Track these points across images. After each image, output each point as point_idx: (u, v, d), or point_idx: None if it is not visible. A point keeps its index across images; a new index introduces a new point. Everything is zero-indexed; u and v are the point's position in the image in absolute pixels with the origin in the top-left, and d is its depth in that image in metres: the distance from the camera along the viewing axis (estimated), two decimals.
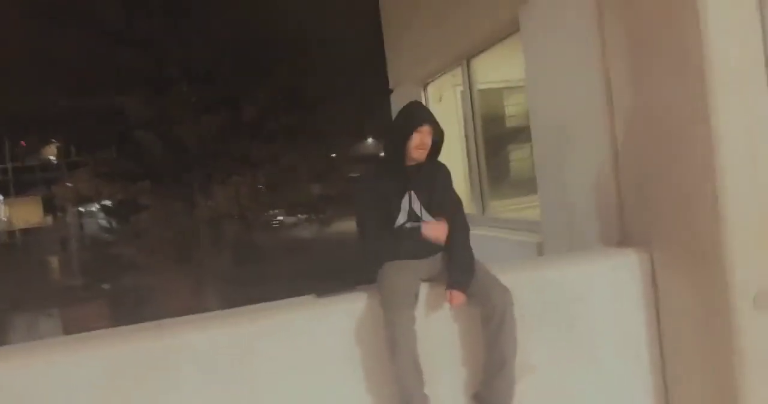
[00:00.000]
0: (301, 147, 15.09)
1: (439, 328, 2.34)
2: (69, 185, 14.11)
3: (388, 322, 2.12)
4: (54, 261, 19.72)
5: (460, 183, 4.82)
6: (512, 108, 5.75)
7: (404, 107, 2.38)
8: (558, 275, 2.61)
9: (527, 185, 4.87)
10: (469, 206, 4.83)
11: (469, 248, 2.38)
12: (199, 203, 15.05)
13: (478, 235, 4.49)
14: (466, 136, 4.75)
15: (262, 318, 2.21)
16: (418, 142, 2.28)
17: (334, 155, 17.96)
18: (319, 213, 17.50)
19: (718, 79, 2.23)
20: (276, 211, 17.26)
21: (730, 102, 2.25)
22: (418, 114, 2.33)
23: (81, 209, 20.76)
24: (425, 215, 2.36)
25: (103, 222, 18.26)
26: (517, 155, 5.80)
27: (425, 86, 5.48)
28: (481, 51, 4.40)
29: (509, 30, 3.83)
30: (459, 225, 2.39)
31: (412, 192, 2.35)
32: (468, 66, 4.58)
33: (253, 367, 2.13)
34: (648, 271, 2.67)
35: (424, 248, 2.35)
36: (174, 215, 14.92)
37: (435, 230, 2.27)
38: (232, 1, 14.13)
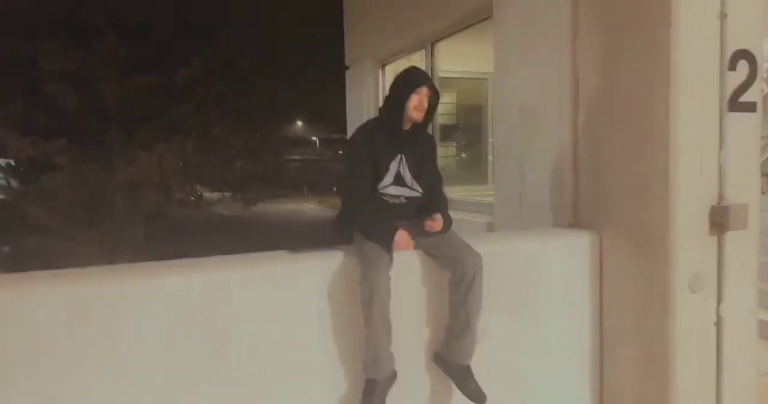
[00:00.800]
0: (233, 121, 14.63)
1: (407, 289, 2.41)
2: None
3: (365, 280, 2.16)
4: None
5: None
6: (442, 106, 5.94)
7: (403, 70, 2.42)
8: (509, 249, 2.76)
9: (450, 179, 5.06)
10: None
11: (448, 213, 2.48)
12: (118, 167, 14.22)
13: None
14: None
15: (238, 267, 2.18)
16: (417, 103, 2.33)
17: (259, 134, 17.50)
18: (244, 192, 17.06)
19: (681, 79, 2.45)
20: (199, 185, 16.60)
21: (688, 102, 2.48)
22: (417, 76, 2.38)
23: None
24: (409, 180, 2.42)
25: (3, 181, 16.81)
26: (442, 152, 6.00)
27: (383, 67, 5.51)
28: (447, 36, 4.49)
29: (480, 16, 3.95)
30: (442, 192, 2.51)
31: (403, 156, 2.40)
32: (432, 50, 4.67)
33: (226, 314, 2.09)
34: (596, 252, 2.88)
35: (401, 214, 2.42)
36: (88, 178, 14.01)
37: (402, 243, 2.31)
38: None
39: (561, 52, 3.05)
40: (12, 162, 15.39)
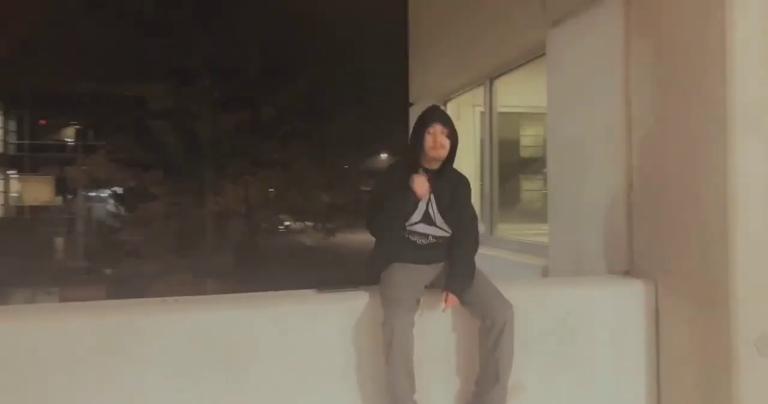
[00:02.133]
0: (314, 154, 15.21)
1: (437, 336, 2.34)
2: (83, 167, 14.24)
3: (387, 323, 2.13)
4: (59, 242, 19.84)
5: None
6: (527, 139, 5.82)
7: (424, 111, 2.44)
8: (561, 297, 2.61)
9: (535, 214, 4.90)
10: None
11: (473, 260, 2.40)
12: (208, 198, 15.13)
13: (485, 254, 4.52)
14: (482, 156, 4.78)
15: (262, 306, 2.23)
16: (432, 142, 2.32)
17: (346, 166, 18.02)
18: (325, 222, 17.51)
19: (738, 119, 2.25)
20: (283, 215, 17.32)
21: (748, 142, 2.26)
22: (428, 115, 2.38)
23: (91, 193, 20.93)
24: (439, 221, 2.39)
25: (112, 208, 18.41)
26: (527, 185, 5.85)
27: (445, 103, 5.53)
28: (505, 72, 4.44)
29: (535, 53, 3.88)
30: (470, 237, 2.43)
31: (432, 196, 2.38)
32: (491, 86, 4.62)
33: (247, 353, 2.13)
34: (651, 303, 2.66)
35: (428, 254, 2.39)
36: (182, 208, 15.00)
37: (419, 185, 2.30)
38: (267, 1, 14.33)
39: (613, 89, 2.91)
40: (117, 191, 16.87)
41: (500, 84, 4.67)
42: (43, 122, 24.36)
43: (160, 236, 14.32)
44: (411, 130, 2.42)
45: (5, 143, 24.07)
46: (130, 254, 14.49)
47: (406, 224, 2.36)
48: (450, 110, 5.59)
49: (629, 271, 2.83)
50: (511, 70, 4.41)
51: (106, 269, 15.29)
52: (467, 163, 4.92)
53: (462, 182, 2.48)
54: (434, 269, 2.40)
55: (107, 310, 2.17)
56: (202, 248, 15.38)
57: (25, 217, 23.33)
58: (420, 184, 2.29)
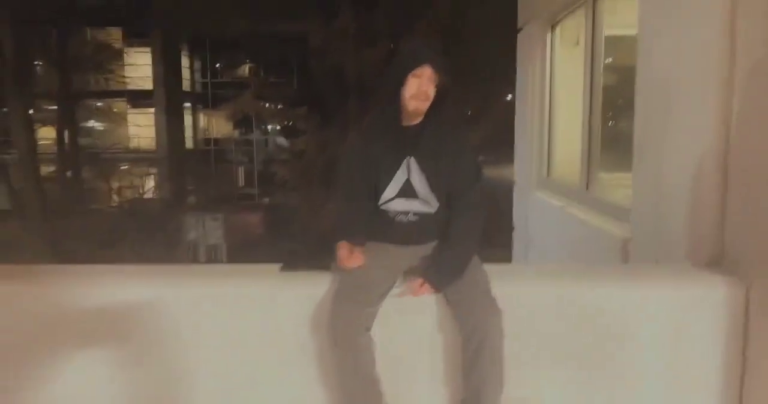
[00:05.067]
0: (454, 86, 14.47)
1: (418, 335, 1.93)
2: (233, 106, 15.34)
3: (331, 322, 1.78)
4: (232, 171, 22.16)
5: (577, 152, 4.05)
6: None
7: (402, 47, 1.88)
8: (607, 296, 1.99)
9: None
10: (576, 178, 4.07)
11: (470, 242, 1.90)
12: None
13: (570, 216, 3.80)
14: (584, 91, 3.89)
15: (208, 283, 2.02)
16: (415, 89, 1.79)
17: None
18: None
19: None
20: None
21: None
22: (415, 53, 1.82)
23: (263, 126, 22.69)
24: (423, 191, 1.90)
25: (278, 141, 19.83)
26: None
27: (552, 27, 4.59)
28: None
29: None
30: (467, 211, 1.91)
31: (413, 159, 1.89)
32: (594, 5, 3.65)
33: (197, 330, 1.94)
34: (739, 312, 1.92)
35: (409, 234, 1.93)
36: (327, 142, 15.55)
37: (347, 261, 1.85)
38: None
39: (715, 12, 2.02)
40: (276, 127, 18.03)
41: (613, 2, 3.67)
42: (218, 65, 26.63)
43: (307, 170, 15.07)
44: (386, 72, 1.90)
45: (192, 81, 26.95)
46: (283, 186, 15.57)
47: (379, 203, 1.92)
48: (559, 34, 4.65)
49: (716, 263, 2.07)
50: None
51: (264, 199, 16.73)
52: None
53: (453, 132, 1.92)
54: (416, 250, 1.95)
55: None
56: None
57: (211, 148, 26.38)
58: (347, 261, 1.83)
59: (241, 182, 23.37)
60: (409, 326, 1.91)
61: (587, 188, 3.90)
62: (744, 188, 1.97)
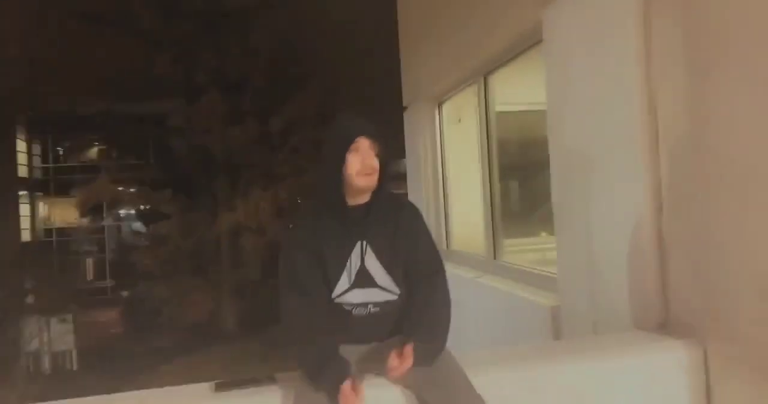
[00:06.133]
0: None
1: None
2: (88, 191, 13.98)
3: None
4: (80, 263, 19.82)
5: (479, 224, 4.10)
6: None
7: (335, 122, 1.73)
8: (571, 371, 1.87)
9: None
10: (481, 248, 4.11)
11: (445, 324, 1.69)
12: (221, 214, 14.69)
13: (486, 286, 3.80)
14: (481, 164, 4.04)
15: None
16: (359, 165, 1.61)
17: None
18: None
19: None
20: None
21: None
22: (346, 128, 1.66)
23: (120, 211, 20.83)
24: (381, 277, 1.68)
25: (134, 227, 18.23)
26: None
27: (440, 105, 4.81)
28: (499, 66, 3.70)
29: (529, 40, 3.14)
30: (435, 292, 1.70)
31: (364, 243, 1.67)
32: (485, 83, 3.89)
33: None
34: (699, 373, 1.91)
35: (367, 330, 1.68)
36: (194, 226, 14.62)
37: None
38: (266, 12, 13.88)
39: (630, 80, 2.17)
40: (131, 212, 16.64)
41: (499, 79, 3.93)
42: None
43: (172, 257, 13.92)
44: (323, 152, 1.71)
45: (30, 167, 24.28)
46: (145, 275, 14.16)
47: (333, 295, 1.67)
48: (446, 112, 4.87)
49: (663, 327, 2.08)
50: (504, 63, 3.66)
51: (123, 292, 15.01)
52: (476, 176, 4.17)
53: (404, 208, 1.75)
54: (379, 348, 1.69)
55: None
56: (217, 266, 14.97)
57: (53, 239, 23.50)
58: (351, 398, 1.48)
59: (91, 275, 20.99)
60: None
61: (495, 257, 3.94)
62: (684, 251, 2.04)
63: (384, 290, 1.68)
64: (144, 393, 1.64)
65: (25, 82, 15.72)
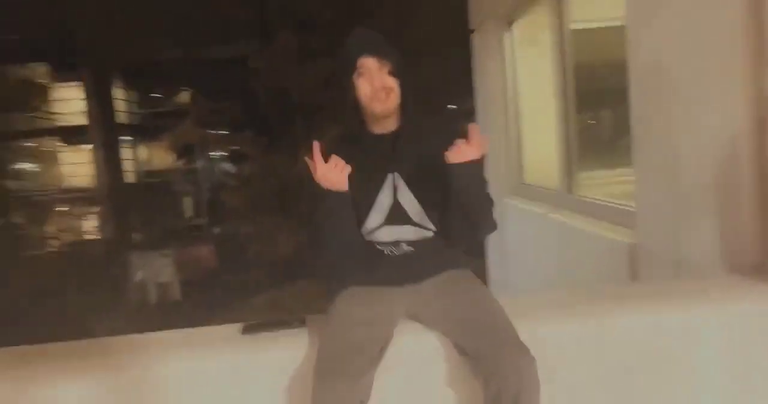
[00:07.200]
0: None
1: (424, 396, 1.52)
2: (175, 134, 14.64)
3: (316, 400, 1.35)
4: (177, 203, 21.20)
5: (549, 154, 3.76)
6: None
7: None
8: (649, 320, 1.63)
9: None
10: (553, 182, 3.79)
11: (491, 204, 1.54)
12: (301, 154, 14.96)
13: (557, 222, 3.49)
14: (555, 89, 3.64)
15: (164, 354, 1.54)
16: (368, 89, 1.45)
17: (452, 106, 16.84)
18: None
19: None
20: None
21: None
22: (350, 48, 1.48)
23: (207, 154, 21.91)
24: (415, 213, 1.52)
25: (216, 169, 19.13)
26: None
27: (510, 25, 4.35)
28: None
29: None
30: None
31: (397, 175, 1.51)
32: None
33: None
34: None
35: (403, 271, 1.55)
36: (276, 166, 15.02)
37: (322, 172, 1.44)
38: None
39: None
40: (220, 153, 17.38)
41: None
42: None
43: (259, 195, 14.48)
44: (335, 77, 1.55)
45: (128, 113, 25.82)
46: (234, 214, 14.89)
47: (362, 231, 1.54)
48: (516, 33, 4.42)
49: (763, 268, 1.78)
50: None
51: (215, 229, 15.94)
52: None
53: (443, 132, 1.54)
54: (416, 291, 1.57)
55: None
56: (300, 204, 15.44)
57: (151, 181, 25.21)
58: (323, 171, 1.43)
59: (189, 212, 22.43)
60: (414, 385, 1.51)
61: (570, 191, 3.62)
62: None
63: (419, 226, 1.53)
64: (171, 333, 1.61)
65: (114, 32, 16.39)
